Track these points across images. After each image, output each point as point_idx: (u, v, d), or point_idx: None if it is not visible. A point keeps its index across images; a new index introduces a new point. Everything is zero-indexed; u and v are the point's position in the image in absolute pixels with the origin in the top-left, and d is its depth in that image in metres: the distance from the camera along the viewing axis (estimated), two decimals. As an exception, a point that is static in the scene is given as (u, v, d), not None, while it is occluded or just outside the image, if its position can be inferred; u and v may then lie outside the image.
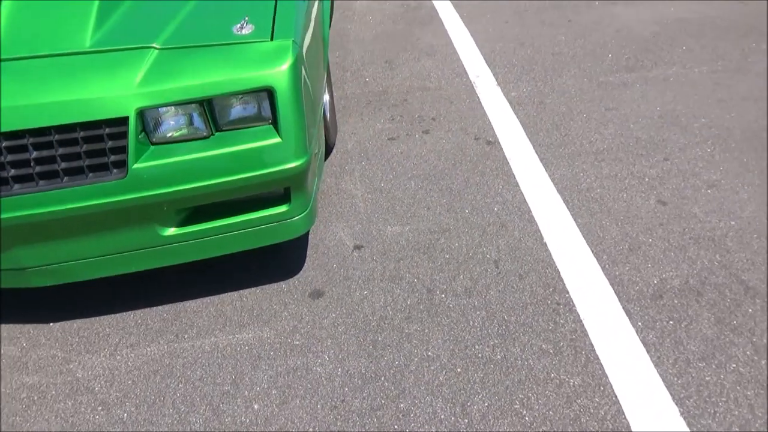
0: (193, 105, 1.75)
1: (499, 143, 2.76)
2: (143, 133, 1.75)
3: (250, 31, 1.84)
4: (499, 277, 2.04)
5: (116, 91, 1.69)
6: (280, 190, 1.90)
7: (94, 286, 2.16)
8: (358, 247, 2.23)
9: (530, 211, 2.32)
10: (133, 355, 1.89)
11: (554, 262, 2.07)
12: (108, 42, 1.80)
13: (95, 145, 1.70)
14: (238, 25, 1.85)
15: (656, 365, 1.69)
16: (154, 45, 1.80)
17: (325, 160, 2.75)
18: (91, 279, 1.93)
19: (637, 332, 1.79)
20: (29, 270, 1.84)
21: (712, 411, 1.57)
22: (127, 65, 1.74)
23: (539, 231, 2.22)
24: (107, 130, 1.70)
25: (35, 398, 1.78)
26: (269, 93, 1.76)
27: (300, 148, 1.81)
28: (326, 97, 2.84)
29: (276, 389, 1.74)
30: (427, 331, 1.87)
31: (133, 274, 2.19)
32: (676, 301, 1.88)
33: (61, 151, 1.70)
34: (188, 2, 1.97)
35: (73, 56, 1.76)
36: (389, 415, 1.64)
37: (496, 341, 1.81)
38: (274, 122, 1.78)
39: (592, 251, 2.10)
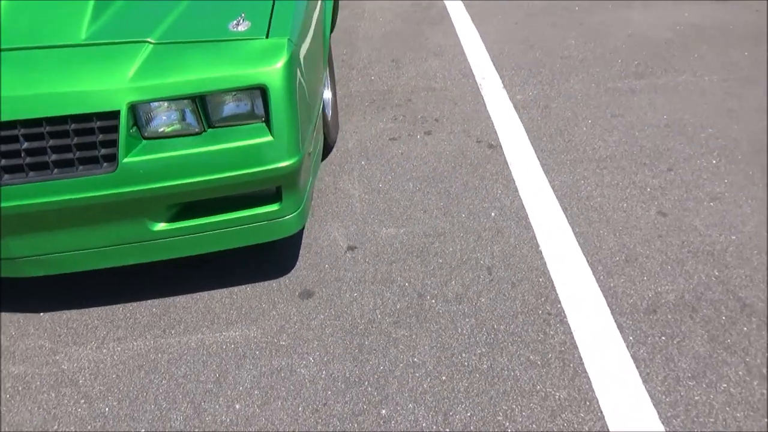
0: (186, 101, 1.73)
1: (500, 147, 2.72)
2: (135, 127, 1.74)
3: (246, 28, 1.82)
4: (491, 284, 2.01)
5: (108, 85, 1.68)
6: (272, 189, 1.88)
7: (88, 277, 2.16)
8: (351, 248, 2.21)
9: (527, 218, 2.29)
10: (119, 348, 1.89)
11: (548, 270, 2.04)
12: (103, 35, 1.80)
13: (86, 138, 1.70)
14: (235, 22, 1.83)
15: (645, 382, 1.65)
16: (148, 39, 1.78)
17: (325, 158, 2.73)
18: (82, 271, 1.93)
19: (627, 347, 1.75)
20: (21, 260, 1.84)
21: None
22: (121, 59, 1.73)
23: (535, 238, 2.18)
24: (98, 124, 1.69)
25: (19, 388, 1.78)
26: (262, 91, 1.74)
27: (292, 147, 1.79)
28: (328, 95, 2.82)
29: (259, 389, 1.72)
30: (414, 336, 1.85)
31: (128, 266, 2.19)
32: (669, 317, 1.84)
33: (51, 142, 1.69)
34: (186, -3, 1.96)
35: (68, 48, 1.76)
36: (370, 421, 1.62)
37: (484, 350, 1.79)
38: (267, 121, 1.77)
39: (588, 261, 2.07)
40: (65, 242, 1.82)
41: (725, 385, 1.63)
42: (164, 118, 1.76)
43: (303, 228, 2.32)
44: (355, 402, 1.67)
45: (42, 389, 1.78)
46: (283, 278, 2.10)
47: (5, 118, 1.65)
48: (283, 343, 1.86)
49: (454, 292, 1.99)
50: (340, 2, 4.60)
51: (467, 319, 1.89)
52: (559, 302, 1.92)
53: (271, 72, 1.73)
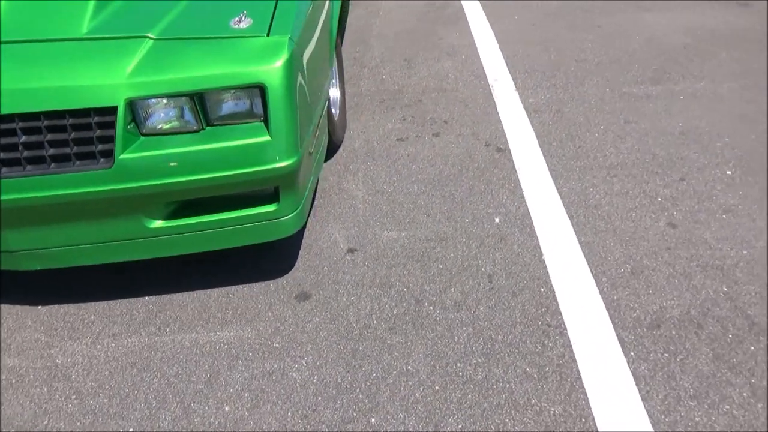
0: (184, 98, 1.72)
1: (509, 151, 2.67)
2: (133, 123, 1.73)
3: (247, 25, 1.80)
4: (491, 293, 1.97)
5: (107, 80, 1.67)
6: (270, 189, 1.86)
7: (89, 271, 2.16)
8: (351, 251, 2.18)
9: (532, 225, 2.24)
10: (113, 345, 1.88)
11: (550, 280, 1.99)
12: (104, 30, 1.78)
13: (83, 133, 1.69)
14: (236, 19, 1.81)
15: (644, 400, 1.60)
16: (149, 35, 1.77)
17: (331, 157, 2.70)
18: (79, 266, 1.93)
19: (628, 362, 1.70)
20: (17, 253, 1.84)
21: (699, 454, 1.48)
22: (120, 54, 1.72)
23: (539, 246, 2.13)
24: (96, 119, 1.68)
25: (12, 381, 1.78)
26: (261, 90, 1.72)
27: (290, 147, 1.76)
28: (336, 94, 2.80)
29: (249, 392, 1.70)
30: (409, 343, 1.82)
31: (128, 262, 2.18)
32: (673, 332, 1.78)
33: (49, 137, 1.68)
34: (190, -8, 1.94)
35: (68, 42, 1.75)
36: (359, 429, 1.59)
37: (479, 360, 1.75)
38: (265, 120, 1.74)
39: (592, 272, 2.01)
40: (62, 237, 1.82)
41: (728, 407, 1.57)
42: (162, 114, 1.74)
43: (304, 228, 2.29)
44: (345, 409, 1.64)
45: (35, 383, 1.78)
46: (280, 279, 2.08)
47: (4, 111, 1.65)
48: (277, 345, 1.84)
49: (453, 300, 1.95)
50: (354, 0, 4.57)
51: (464, 328, 1.85)
52: (560, 313, 1.87)
53: (271, 71, 1.70)
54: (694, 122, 2.79)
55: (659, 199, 2.33)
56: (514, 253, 2.12)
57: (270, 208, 1.86)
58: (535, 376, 1.69)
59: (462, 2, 4.39)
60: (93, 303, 2.04)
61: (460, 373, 1.71)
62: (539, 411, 1.60)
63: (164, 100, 1.72)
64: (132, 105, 1.70)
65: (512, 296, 1.95)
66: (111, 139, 1.69)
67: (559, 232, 2.19)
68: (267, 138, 1.73)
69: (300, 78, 1.82)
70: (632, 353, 1.73)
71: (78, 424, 1.65)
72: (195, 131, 1.76)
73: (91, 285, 2.10)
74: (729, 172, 2.45)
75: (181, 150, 1.72)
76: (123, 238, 1.84)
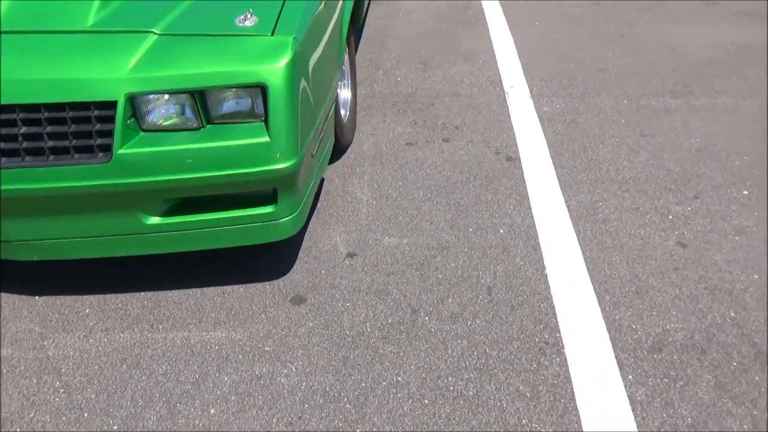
0: (185, 95, 1.70)
1: (519, 160, 2.62)
2: (133, 118, 1.72)
3: (252, 23, 1.78)
4: (489, 306, 1.92)
5: (108, 74, 1.66)
6: (269, 190, 1.84)
7: (90, 263, 2.16)
8: (351, 255, 2.15)
9: (537, 238, 2.18)
10: (105, 339, 1.88)
11: (551, 296, 1.94)
12: (109, 23, 1.78)
13: (83, 127, 1.68)
14: (242, 17, 1.79)
15: (639, 426, 1.54)
16: (153, 30, 1.76)
17: (339, 159, 2.67)
18: (77, 259, 1.93)
19: (626, 386, 1.64)
20: (15, 243, 1.84)
21: (693, 487, 1.42)
22: (123, 48, 1.71)
23: (542, 260, 2.08)
24: (95, 113, 1.67)
25: (4, 371, 1.79)
26: (263, 90, 1.69)
27: (290, 149, 1.74)
28: (347, 96, 2.77)
29: (236, 395, 1.68)
30: (402, 354, 1.78)
31: (130, 256, 2.17)
32: (675, 357, 1.72)
33: (49, 129, 1.68)
34: (197, -11, 1.93)
35: (72, 35, 1.74)
36: (344, 440, 1.56)
37: (472, 375, 1.70)
38: (266, 120, 1.72)
39: (595, 289, 1.95)
40: (59, 229, 1.82)
41: (727, 439, 1.51)
42: (162, 111, 1.73)
43: (305, 230, 2.27)
44: (330, 418, 1.61)
45: (25, 374, 1.78)
46: (277, 281, 2.06)
47: (5, 101, 1.65)
48: (268, 348, 1.82)
49: (450, 311, 1.91)
50: (375, 0, 4.54)
51: (459, 341, 1.81)
52: (559, 331, 1.82)
53: (272, 71, 1.68)
54: (713, 139, 2.71)
55: (670, 216, 2.26)
56: (516, 266, 2.07)
57: (267, 209, 1.84)
58: (528, 395, 1.64)
59: (483, 5, 4.34)
60: (90, 296, 2.04)
61: (451, 388, 1.67)
62: (529, 432, 1.55)
63: (165, 97, 1.71)
64: (133, 100, 1.69)
65: (511, 310, 1.90)
66: (110, 134, 1.68)
67: (564, 247, 2.14)
68: (266, 139, 1.71)
69: (303, 79, 1.80)
70: (630, 376, 1.67)
71: (63, 418, 1.64)
72: (195, 129, 1.74)
73: (90, 277, 2.10)
74: (745, 192, 2.37)
75: (180, 147, 1.71)
76: (120, 233, 1.84)
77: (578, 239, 2.17)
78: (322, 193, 2.47)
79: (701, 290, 1.93)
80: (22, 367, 1.80)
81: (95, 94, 1.65)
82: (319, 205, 2.40)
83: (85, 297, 2.03)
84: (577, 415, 1.58)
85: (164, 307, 1.98)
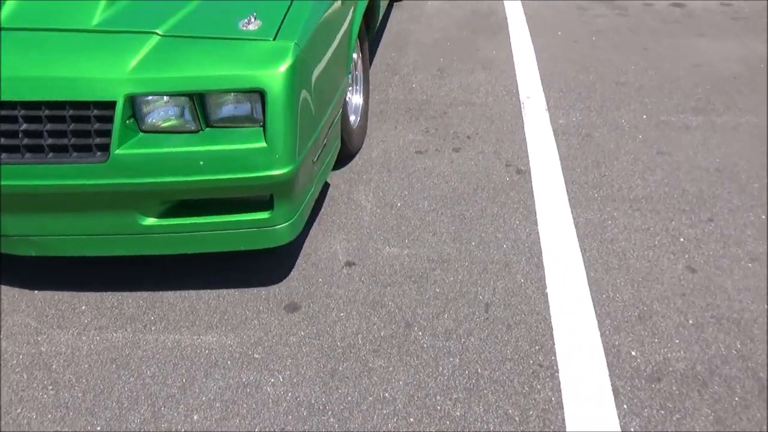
0: (184, 98, 1.69)
1: (529, 173, 2.56)
2: (133, 119, 1.72)
3: (256, 27, 1.77)
4: (485, 323, 1.87)
5: (109, 74, 1.66)
6: (266, 196, 1.82)
7: (93, 259, 2.16)
8: (349, 264, 2.12)
9: (541, 255, 2.13)
10: (98, 338, 1.88)
11: (550, 316, 1.88)
12: (114, 23, 1.78)
13: (82, 125, 1.69)
14: (245, 21, 1.77)
15: (631, 459, 1.49)
16: (156, 31, 1.76)
17: (346, 165, 2.65)
18: (73, 256, 1.93)
19: (619, 416, 1.58)
20: (14, 238, 1.86)
21: None
22: (125, 49, 1.71)
23: (544, 279, 2.03)
24: (95, 112, 1.67)
25: (-3, 365, 1.80)
26: (261, 95, 1.68)
27: (287, 156, 1.72)
28: (358, 101, 2.74)
29: (221, 402, 1.67)
30: (391, 369, 1.74)
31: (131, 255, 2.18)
32: (674, 388, 1.65)
33: (49, 126, 1.69)
34: (204, -9, 1.92)
35: (76, 33, 1.75)
36: (325, 455, 1.53)
37: (461, 395, 1.66)
38: (264, 126, 1.70)
39: (596, 312, 1.89)
40: (57, 226, 1.82)
41: (723, 479, 1.44)
42: (162, 112, 1.72)
43: (306, 235, 2.25)
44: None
45: (17, 369, 1.79)
46: (273, 286, 2.04)
47: (6, 98, 1.66)
48: (257, 356, 1.80)
49: (444, 327, 1.87)
50: (399, 2, 4.51)
51: (451, 358, 1.76)
52: (554, 354, 1.76)
53: (272, 76, 1.66)
54: (733, 159, 2.61)
55: (682, 239, 2.18)
56: (516, 284, 2.01)
57: (263, 215, 1.82)
58: (517, 419, 1.59)
59: (507, 13, 4.27)
60: (87, 293, 2.04)
61: (439, 407, 1.63)
62: (515, 458, 1.50)
63: (164, 98, 1.71)
64: (132, 101, 1.69)
65: (507, 329, 1.85)
66: (108, 133, 1.68)
67: (567, 266, 2.08)
68: (263, 144, 1.69)
69: (304, 85, 1.78)
70: (625, 406, 1.61)
71: (49, 416, 1.65)
72: (193, 131, 1.74)
73: (91, 274, 2.11)
74: (763, 217, 2.27)
75: (178, 150, 1.70)
76: (117, 232, 1.84)
77: (583, 258, 2.10)
78: (327, 198, 2.45)
79: (708, 318, 1.86)
80: (15, 362, 1.81)
81: (95, 93, 1.66)
82: (322, 211, 2.38)
83: (82, 294, 2.04)
84: (567, 444, 1.53)
85: (159, 307, 1.98)
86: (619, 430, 1.55)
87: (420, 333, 1.85)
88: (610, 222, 2.28)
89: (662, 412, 1.59)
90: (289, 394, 1.68)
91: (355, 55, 2.65)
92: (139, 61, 1.68)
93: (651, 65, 3.45)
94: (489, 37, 3.89)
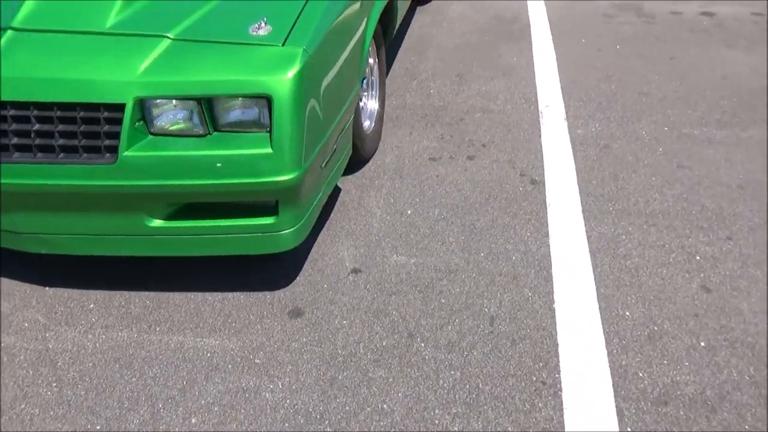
0: (192, 102, 1.70)
1: (543, 184, 2.52)
2: (142, 121, 1.73)
3: (266, 32, 1.76)
4: (489, 337, 1.84)
5: (119, 77, 1.68)
6: (271, 201, 1.82)
7: (105, 258, 2.18)
8: (355, 271, 2.11)
9: (550, 268, 2.09)
10: (104, 337, 1.90)
11: (556, 333, 1.84)
12: (127, 26, 1.80)
13: (92, 127, 1.71)
14: (256, 25, 1.77)
15: (631, 485, 1.44)
16: (168, 35, 1.77)
17: (359, 170, 2.64)
18: (81, 255, 1.96)
19: (622, 439, 1.54)
20: (24, 235, 1.89)
21: None
22: (136, 52, 1.72)
23: (552, 293, 1.99)
24: (104, 114, 1.69)
25: (4, 359, 1.83)
26: (268, 101, 1.68)
27: (292, 162, 1.71)
28: (374, 106, 2.73)
29: (219, 407, 1.67)
30: (391, 380, 1.73)
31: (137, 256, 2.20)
32: (681, 413, 1.60)
33: (60, 127, 1.71)
34: (218, -5, 1.93)
35: (90, 35, 1.77)
36: (319, 465, 1.52)
37: (460, 410, 1.63)
38: (270, 132, 1.70)
39: (604, 330, 1.85)
40: (67, 225, 1.85)
41: None
42: (170, 116, 1.73)
43: (313, 241, 2.24)
44: (309, 441, 1.57)
45: (23, 364, 1.81)
46: (278, 291, 2.04)
47: (21, 98, 1.69)
48: (258, 361, 1.80)
49: (447, 339, 1.84)
50: (423, 6, 4.49)
51: (452, 372, 1.74)
52: (559, 371, 1.72)
53: (279, 82, 1.66)
54: (756, 175, 2.53)
55: (698, 257, 2.12)
56: (523, 297, 1.98)
57: (268, 220, 1.82)
58: (516, 437, 1.56)
59: (531, 19, 4.22)
60: (97, 291, 2.07)
61: (437, 421, 1.61)
62: (511, 478, 1.47)
63: (173, 102, 1.72)
64: (141, 103, 1.70)
65: (511, 344, 1.82)
66: (117, 135, 1.70)
67: (577, 281, 2.03)
68: (268, 150, 1.69)
69: (313, 91, 1.77)
70: (629, 429, 1.57)
71: (51, 413, 1.67)
72: (201, 135, 1.74)
73: (101, 272, 2.13)
74: (785, 237, 2.20)
75: (184, 153, 1.71)
76: (124, 233, 1.85)
77: (594, 274, 2.06)
78: (337, 204, 2.44)
79: (720, 341, 1.80)
80: (21, 357, 1.84)
81: (105, 95, 1.67)
82: (332, 216, 2.38)
83: (92, 292, 2.07)
84: (565, 466, 1.49)
85: (165, 308, 1.99)
86: (621, 453, 1.51)
87: (422, 344, 1.83)
88: (624, 237, 2.22)
89: (667, 437, 1.55)
90: (288, 401, 1.68)
91: (371, 60, 2.64)
92: (149, 64, 1.70)
93: (676, 75, 3.37)
94: (511, 43, 3.84)
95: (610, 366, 1.74)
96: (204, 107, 1.70)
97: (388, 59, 3.64)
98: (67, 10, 1.84)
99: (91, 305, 2.02)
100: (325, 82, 1.86)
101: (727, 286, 2.00)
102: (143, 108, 1.71)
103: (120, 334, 1.91)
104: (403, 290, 2.03)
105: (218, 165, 1.70)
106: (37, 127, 1.71)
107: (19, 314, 1.99)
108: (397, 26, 3.00)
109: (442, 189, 2.52)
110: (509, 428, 1.58)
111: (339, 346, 1.84)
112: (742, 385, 1.67)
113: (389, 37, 2.91)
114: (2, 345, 1.87)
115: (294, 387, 1.72)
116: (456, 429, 1.59)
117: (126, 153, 1.69)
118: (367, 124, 2.64)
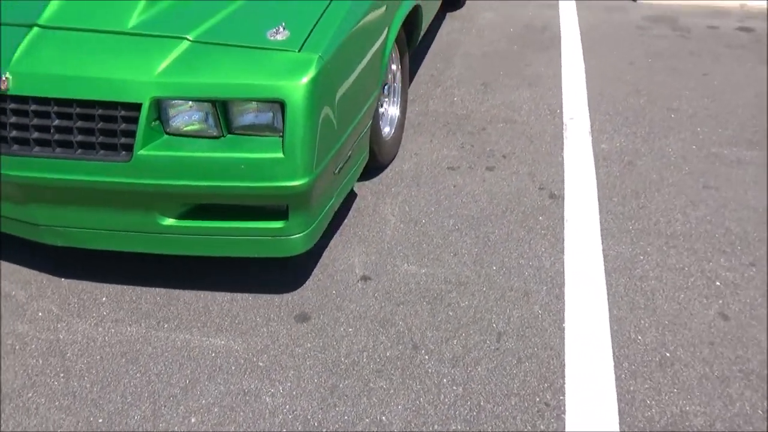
0: (207, 103, 1.72)
1: (563, 199, 2.47)
2: (158, 121, 1.75)
3: (283, 38, 1.77)
4: (495, 354, 1.81)
5: (137, 77, 1.70)
6: (282, 205, 1.82)
7: (120, 252, 2.21)
8: (365, 278, 2.10)
9: (563, 286, 2.04)
10: (113, 330, 1.93)
11: (564, 353, 1.80)
12: (148, 27, 1.82)
13: (109, 125, 1.74)
14: (273, 30, 1.78)
15: None
16: (187, 36, 1.78)
17: (376, 176, 2.63)
18: (95, 249, 1.99)
19: (624, 468, 1.50)
20: (41, 227, 1.93)
21: None
22: (156, 52, 1.74)
23: (563, 312, 1.95)
24: (122, 113, 1.72)
25: (16, 347, 1.87)
26: (282, 106, 1.68)
27: (304, 167, 1.71)
28: (395, 113, 2.72)
29: (219, 408, 1.68)
30: (392, 391, 1.71)
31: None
32: (688, 444, 1.55)
33: (79, 123, 1.75)
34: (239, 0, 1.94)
35: (112, 35, 1.80)
36: (313, 474, 1.51)
37: (460, 427, 1.61)
38: (282, 136, 1.70)
39: (614, 353, 1.80)
40: (82, 219, 1.88)
41: None
42: (186, 117, 1.75)
43: (325, 246, 2.24)
44: (305, 448, 1.57)
45: (34, 353, 1.85)
46: (286, 294, 2.04)
47: (42, 94, 1.72)
48: (261, 364, 1.80)
49: (452, 353, 1.82)
50: (453, 12, 4.46)
51: (455, 387, 1.72)
52: (563, 393, 1.69)
53: (293, 87, 1.66)
54: (786, 200, 2.45)
55: (718, 282, 2.05)
56: (533, 314, 1.94)
57: (278, 224, 1.82)
58: (514, 459, 1.53)
59: (561, 29, 4.15)
60: (110, 285, 2.10)
61: (435, 437, 1.59)
62: (506, 501, 1.44)
63: (189, 103, 1.73)
64: (158, 103, 1.72)
65: (517, 362, 1.78)
66: (133, 134, 1.72)
67: (590, 300, 1.99)
68: (280, 155, 1.69)
69: (327, 97, 1.77)
70: (632, 458, 1.52)
71: (56, 403, 1.70)
72: (215, 137, 1.76)
73: (115, 266, 2.16)
74: (812, 266, 2.12)
75: (198, 154, 1.72)
76: (137, 230, 1.88)
77: (608, 294, 2.01)
78: (352, 209, 2.44)
79: (735, 372, 1.74)
80: (33, 346, 1.88)
81: (123, 94, 1.70)
82: (345, 221, 2.37)
83: (105, 285, 2.10)
84: (563, 491, 1.46)
85: (174, 305, 2.01)
86: (622, 483, 1.47)
87: (426, 357, 1.81)
88: (642, 257, 2.17)
89: (671, 468, 1.50)
90: (287, 406, 1.68)
91: (394, 66, 2.63)
92: (168, 65, 1.72)
93: (708, 92, 3.28)
94: (539, 52, 3.79)
95: (617, 391, 1.69)
96: (219, 109, 1.72)
97: (413, 64, 3.62)
98: (92, 9, 1.87)
99: (104, 298, 2.05)
100: (341, 89, 1.86)
101: (747, 314, 1.93)
102: (159, 108, 1.73)
103: (129, 328, 1.93)
104: (411, 300, 2.01)
105: (242, 167, 1.71)
106: (56, 122, 1.75)
107: (35, 303, 2.03)
108: (422, 33, 2.98)
109: (459, 199, 2.49)
110: (508, 449, 1.56)
111: (342, 353, 1.83)
112: (755, 419, 1.61)
113: (414, 44, 2.90)
114: (16, 332, 1.92)
115: (294, 392, 1.71)
116: (454, 446, 1.57)
117: (141, 152, 1.72)
118: (386, 130, 2.63)
